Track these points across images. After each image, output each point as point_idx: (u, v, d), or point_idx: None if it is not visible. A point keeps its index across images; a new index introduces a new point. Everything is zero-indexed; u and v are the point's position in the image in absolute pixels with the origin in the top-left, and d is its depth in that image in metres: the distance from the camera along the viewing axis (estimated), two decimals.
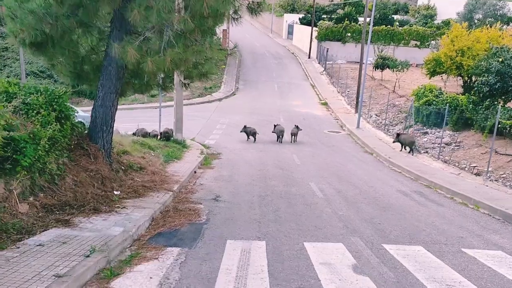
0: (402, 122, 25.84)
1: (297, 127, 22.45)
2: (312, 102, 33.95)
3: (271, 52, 50.36)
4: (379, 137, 24.29)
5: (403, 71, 33.62)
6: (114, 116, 12.04)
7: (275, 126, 22.54)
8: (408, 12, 54.62)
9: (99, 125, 11.74)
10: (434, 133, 22.14)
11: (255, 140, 22.38)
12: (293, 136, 22.55)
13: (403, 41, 44.08)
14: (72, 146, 10.94)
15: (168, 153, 17.21)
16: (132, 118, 27.14)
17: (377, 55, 37.32)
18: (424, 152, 20.34)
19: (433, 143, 21.04)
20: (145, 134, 19.53)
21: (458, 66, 28.12)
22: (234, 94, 35.23)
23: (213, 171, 16.49)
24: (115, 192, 10.96)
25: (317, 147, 21.81)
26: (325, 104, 33.06)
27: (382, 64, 35.66)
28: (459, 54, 28.04)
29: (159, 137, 20.40)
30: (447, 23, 47.05)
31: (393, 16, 51.23)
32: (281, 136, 22.28)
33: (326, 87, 38.11)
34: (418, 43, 44.13)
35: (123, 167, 12.75)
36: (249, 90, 36.69)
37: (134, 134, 19.85)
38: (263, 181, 14.84)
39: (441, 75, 30.29)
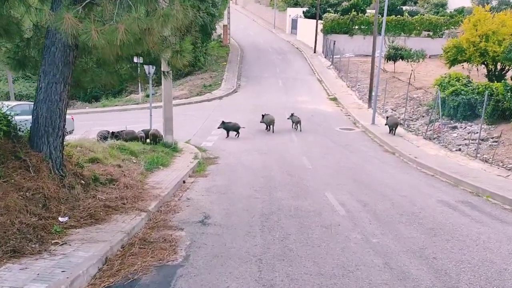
0: (423, 116, 22.44)
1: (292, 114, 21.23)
2: (320, 97, 30.58)
3: (274, 48, 46.97)
4: (398, 133, 20.88)
5: (419, 61, 30.13)
6: (64, 114, 8.80)
7: (263, 116, 20.67)
8: (417, 3, 51.06)
9: (43, 126, 8.52)
10: (465, 127, 18.72)
11: (238, 135, 19.86)
12: (298, 125, 20.95)
13: (414, 31, 40.51)
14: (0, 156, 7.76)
15: (152, 160, 13.98)
16: (124, 119, 24.04)
17: (388, 46, 33.87)
18: (456, 150, 16.95)
19: (465, 139, 17.63)
20: (103, 135, 16.05)
21: (482, 52, 24.66)
22: (236, 92, 31.95)
23: (207, 180, 13.26)
24: (61, 219, 7.74)
25: (329, 147, 18.49)
26: (335, 99, 29.70)
27: (395, 55, 32.22)
28: (483, 40, 24.58)
29: (148, 139, 17.19)
30: (460, 12, 43.49)
31: (401, 7, 47.64)
32: (271, 126, 20.40)
33: (334, 81, 34.72)
34: (431, 33, 40.55)
35: (83, 181, 9.53)
36: (251, 87, 33.39)
37: (116, 136, 16.62)
38: (267, 193, 11.57)
39: (462, 64, 26.83)
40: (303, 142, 19.30)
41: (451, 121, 19.70)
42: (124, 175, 11.58)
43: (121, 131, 16.45)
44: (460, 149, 16.88)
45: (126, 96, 33.47)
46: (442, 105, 19.54)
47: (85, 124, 22.75)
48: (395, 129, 20.05)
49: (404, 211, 9.84)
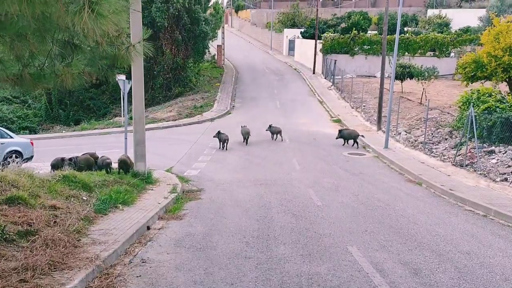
0: (446, 139, 18.73)
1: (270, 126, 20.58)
2: (322, 119, 26.94)
3: (271, 69, 43.56)
4: (420, 159, 17.14)
5: (431, 79, 26.65)
6: None
7: (242, 127, 20.06)
8: (418, 24, 48.20)
9: None
10: (505, 151, 14.97)
11: (226, 146, 18.87)
12: (278, 135, 20.34)
13: (419, 51, 37.30)
14: None
15: (109, 196, 10.10)
16: (102, 144, 20.45)
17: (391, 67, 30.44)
18: (501, 180, 13.15)
19: (509, 166, 13.87)
20: (57, 164, 12.47)
21: (506, 68, 21.21)
22: (229, 113, 28.29)
23: (181, 224, 9.39)
24: None
25: (340, 176, 14.69)
26: (339, 121, 26.05)
27: (402, 73, 28.71)
28: (507, 53, 21.16)
29: (115, 167, 13.46)
30: (465, 31, 40.49)
31: (403, 27, 44.62)
32: (247, 138, 19.71)
33: (336, 102, 31.16)
34: (436, 53, 37.32)
35: None
36: (246, 108, 29.76)
37: (75, 163, 12.86)
38: (263, 247, 7.69)
39: (481, 81, 23.31)
40: (308, 170, 15.50)
41: (485, 144, 15.98)
42: (55, 222, 7.72)
43: (76, 157, 12.69)
44: (506, 179, 13.08)
45: (109, 119, 29.73)
46: (471, 125, 15.83)
47: (56, 149, 19.13)
48: (355, 141, 19.58)
49: (484, 287, 5.97)
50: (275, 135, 20.42)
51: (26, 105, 35.57)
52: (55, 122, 33.17)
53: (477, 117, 16.03)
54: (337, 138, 19.98)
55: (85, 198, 9.82)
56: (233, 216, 9.99)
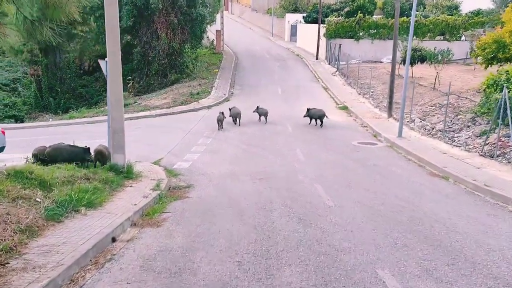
0: (469, 126, 16.46)
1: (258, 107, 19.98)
2: (327, 106, 24.49)
3: (272, 55, 41.07)
4: (440, 149, 14.92)
5: (444, 63, 24.30)
6: None
7: (230, 109, 19.47)
8: (425, 8, 45.52)
9: None
10: None
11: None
12: (265, 117, 19.67)
13: (428, 34, 34.78)
14: None
15: (69, 197, 7.94)
16: (91, 133, 18.38)
17: (403, 48, 28.10)
18: None
19: None
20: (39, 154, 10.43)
21: None
22: (228, 100, 25.97)
23: (157, 233, 7.23)
24: None
25: (351, 169, 12.48)
26: (345, 108, 23.78)
27: (413, 57, 26.29)
28: None
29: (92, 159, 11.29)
30: (476, 14, 37.89)
31: (410, 11, 42.08)
32: (238, 119, 19.21)
33: (342, 88, 28.81)
34: (447, 36, 34.79)
35: None
36: (246, 95, 27.44)
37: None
38: (261, 273, 5.52)
39: (501, 63, 20.98)
40: (314, 161, 13.28)
41: None
42: None
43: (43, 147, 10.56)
44: None
45: (101, 108, 27.50)
46: (497, 111, 13.50)
47: (40, 139, 17.01)
48: (321, 121, 19.07)
49: None
50: (262, 117, 19.90)
51: (16, 92, 33.39)
52: (45, 110, 30.99)
53: (509, 101, 13.73)
54: (304, 117, 19.45)
55: (39, 200, 7.68)
56: (225, 222, 7.82)
